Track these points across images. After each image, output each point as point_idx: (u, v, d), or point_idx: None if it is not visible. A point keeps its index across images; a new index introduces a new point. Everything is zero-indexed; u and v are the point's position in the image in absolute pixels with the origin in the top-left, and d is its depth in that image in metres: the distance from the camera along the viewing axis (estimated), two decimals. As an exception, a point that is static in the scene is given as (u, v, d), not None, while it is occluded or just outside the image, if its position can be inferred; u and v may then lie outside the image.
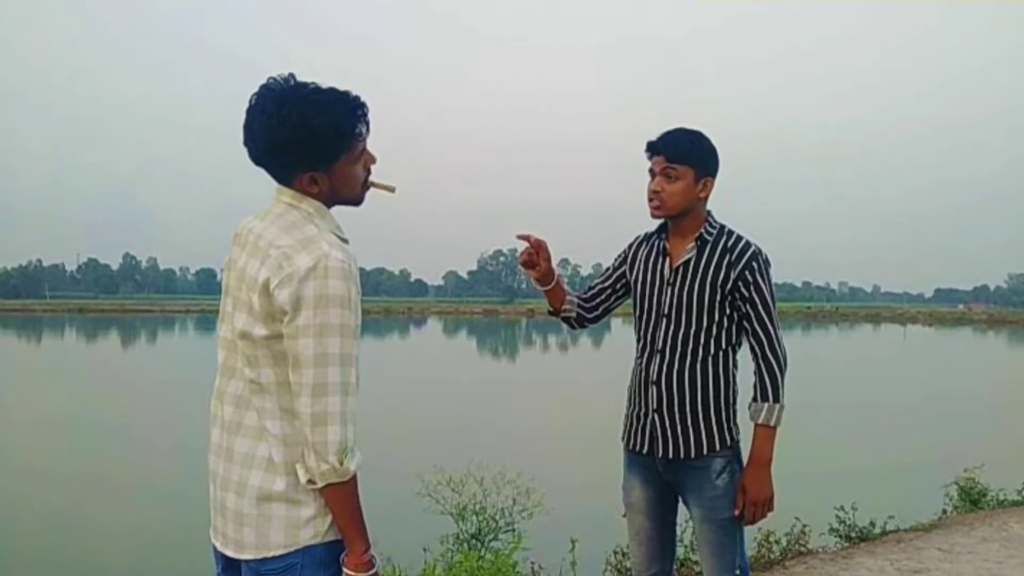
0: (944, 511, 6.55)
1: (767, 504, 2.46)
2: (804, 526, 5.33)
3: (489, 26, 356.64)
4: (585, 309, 2.78)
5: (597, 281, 2.80)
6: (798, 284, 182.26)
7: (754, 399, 2.46)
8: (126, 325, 60.78)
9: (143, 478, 9.92)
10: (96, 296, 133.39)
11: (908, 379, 25.63)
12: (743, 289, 2.46)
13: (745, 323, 2.48)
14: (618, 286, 2.75)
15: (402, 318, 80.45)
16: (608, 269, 2.80)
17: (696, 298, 2.48)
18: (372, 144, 1.79)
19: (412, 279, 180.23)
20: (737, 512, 2.46)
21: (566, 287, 2.75)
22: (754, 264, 2.46)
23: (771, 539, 5.08)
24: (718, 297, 2.47)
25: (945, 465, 7.46)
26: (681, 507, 2.65)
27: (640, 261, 2.65)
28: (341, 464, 1.61)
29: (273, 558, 1.67)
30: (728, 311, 2.48)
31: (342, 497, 1.64)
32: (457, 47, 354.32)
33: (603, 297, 2.77)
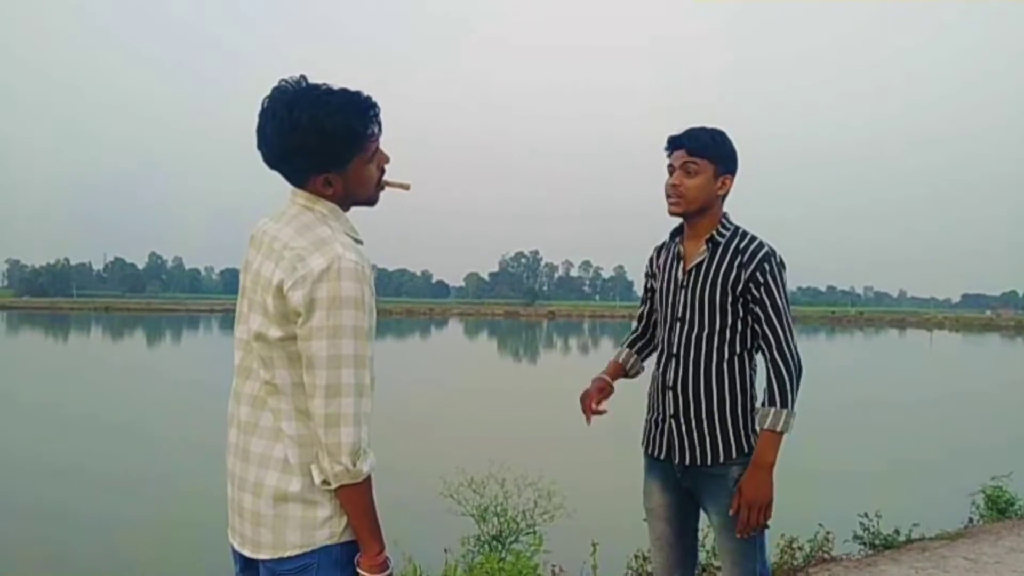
0: (970, 520, 6.46)
1: (764, 509, 2.36)
2: (828, 533, 5.29)
3: (499, 27, 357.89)
4: (646, 341, 2.80)
5: (642, 309, 2.81)
6: (822, 288, 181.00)
7: (762, 403, 2.39)
8: (151, 323, 61.47)
9: (165, 476, 9.99)
10: (122, 295, 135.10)
11: (935, 385, 25.30)
12: (754, 290, 2.42)
13: (755, 325, 2.44)
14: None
15: (423, 319, 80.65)
16: (644, 293, 2.81)
17: (708, 300, 2.45)
18: (386, 144, 1.78)
19: (434, 280, 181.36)
20: (732, 513, 2.39)
21: (619, 359, 2.80)
22: (766, 265, 2.42)
23: (794, 546, 5.04)
24: (730, 299, 2.43)
25: (972, 473, 7.34)
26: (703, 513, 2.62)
27: (660, 268, 2.65)
28: (354, 465, 1.61)
29: (290, 558, 1.67)
30: (741, 313, 2.44)
31: (356, 498, 1.65)
32: (474, 50, 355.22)
33: (655, 319, 2.75)
